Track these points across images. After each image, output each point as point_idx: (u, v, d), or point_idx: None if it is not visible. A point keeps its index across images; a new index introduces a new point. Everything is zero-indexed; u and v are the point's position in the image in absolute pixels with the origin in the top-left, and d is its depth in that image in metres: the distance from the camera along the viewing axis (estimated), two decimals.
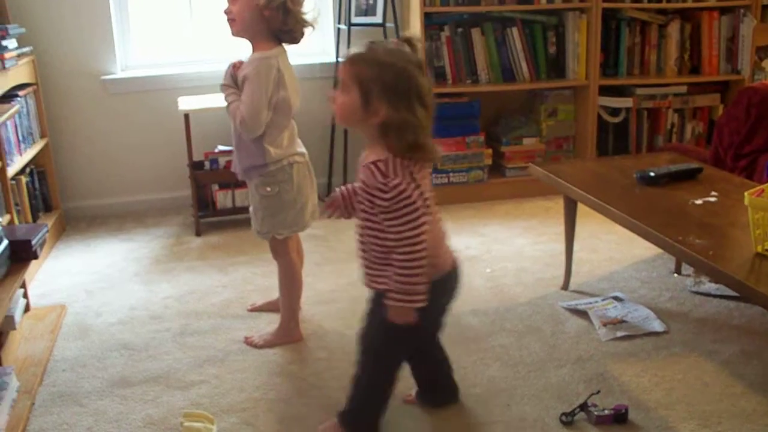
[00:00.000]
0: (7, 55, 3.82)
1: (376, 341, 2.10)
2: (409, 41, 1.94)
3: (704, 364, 2.79)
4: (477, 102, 4.69)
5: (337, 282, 3.63)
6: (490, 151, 4.78)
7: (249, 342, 3.01)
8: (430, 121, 1.92)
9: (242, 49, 2.80)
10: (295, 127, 2.83)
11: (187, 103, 4.32)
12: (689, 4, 4.73)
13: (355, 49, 1.94)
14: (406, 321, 1.95)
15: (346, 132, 4.61)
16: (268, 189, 2.76)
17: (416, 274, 1.91)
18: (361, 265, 2.10)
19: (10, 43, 3.91)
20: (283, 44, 2.73)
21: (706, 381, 2.70)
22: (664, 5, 4.73)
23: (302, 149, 2.85)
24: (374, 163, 1.89)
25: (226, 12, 2.72)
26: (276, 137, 2.71)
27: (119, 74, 4.55)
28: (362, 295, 2.28)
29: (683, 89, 4.85)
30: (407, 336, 2.05)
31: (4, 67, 3.77)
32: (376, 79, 1.87)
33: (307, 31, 2.70)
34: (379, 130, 1.91)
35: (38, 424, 2.63)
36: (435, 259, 2.00)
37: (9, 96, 3.90)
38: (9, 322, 3.01)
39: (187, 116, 4.18)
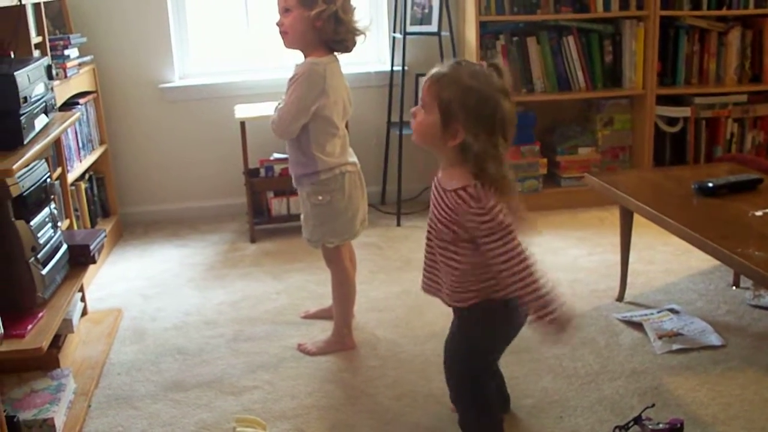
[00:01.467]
0: (69, 64, 3.88)
1: (463, 361, 2.10)
2: (496, 67, 1.90)
3: (763, 380, 2.76)
4: (532, 111, 4.65)
5: (390, 290, 3.61)
6: (545, 160, 4.75)
7: (302, 349, 3.02)
8: (507, 152, 1.89)
9: (297, 58, 2.83)
10: (347, 135, 2.84)
11: (243, 110, 4.36)
12: (751, 11, 4.63)
13: (439, 68, 1.90)
14: (568, 329, 1.91)
15: (400, 140, 4.53)
16: (320, 198, 2.77)
17: (539, 287, 1.88)
18: (441, 289, 2.08)
19: (73, 52, 3.96)
20: (336, 53, 2.74)
21: (766, 397, 2.66)
22: (724, 12, 4.64)
23: (354, 158, 2.85)
24: (464, 189, 1.87)
25: (278, 24, 2.75)
26: (325, 145, 2.72)
27: (177, 82, 4.59)
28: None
29: (743, 98, 4.75)
30: (489, 351, 2.07)
31: (66, 76, 3.83)
32: (459, 101, 1.84)
33: (359, 39, 2.70)
34: (457, 154, 1.88)
35: (94, 426, 2.65)
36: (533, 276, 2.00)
37: (70, 104, 3.94)
38: (67, 325, 3.03)
39: (243, 124, 4.22)
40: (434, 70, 1.88)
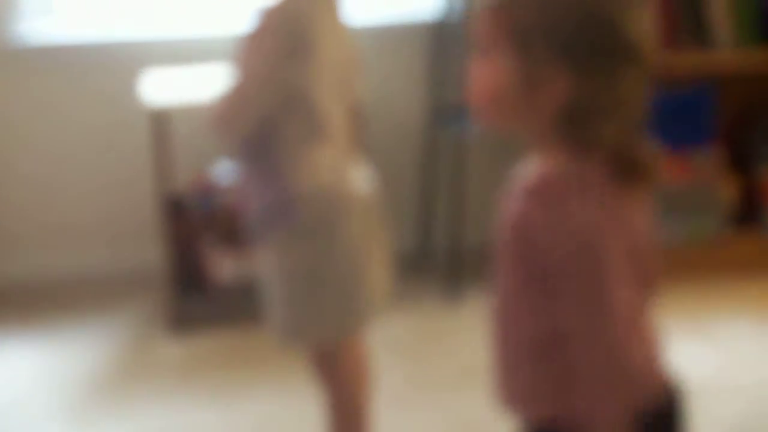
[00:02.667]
0: None
1: None
2: None
3: None
4: (710, 86, 3.64)
5: (434, 421, 2.96)
6: (735, 178, 3.77)
7: None
8: (646, 99, 1.34)
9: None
10: (349, 134, 2.16)
11: (158, 89, 3.32)
12: None
13: None
14: None
15: (459, 144, 3.51)
16: (297, 251, 2.15)
17: (614, 387, 1.37)
18: (497, 373, 1.61)
19: None
20: None
21: None
22: None
23: (360, 182, 2.19)
24: (539, 183, 1.32)
25: None
26: (304, 151, 2.08)
27: (32, 37, 3.67)
28: None
29: None
30: None
31: None
32: (547, 25, 1.26)
33: None
34: (556, 120, 1.30)
35: None
36: (636, 373, 1.42)
37: None
38: None
39: (160, 116, 3.28)
40: None
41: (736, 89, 3.73)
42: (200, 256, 3.38)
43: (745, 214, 3.74)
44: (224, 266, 3.35)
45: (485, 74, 1.34)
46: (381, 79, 3.28)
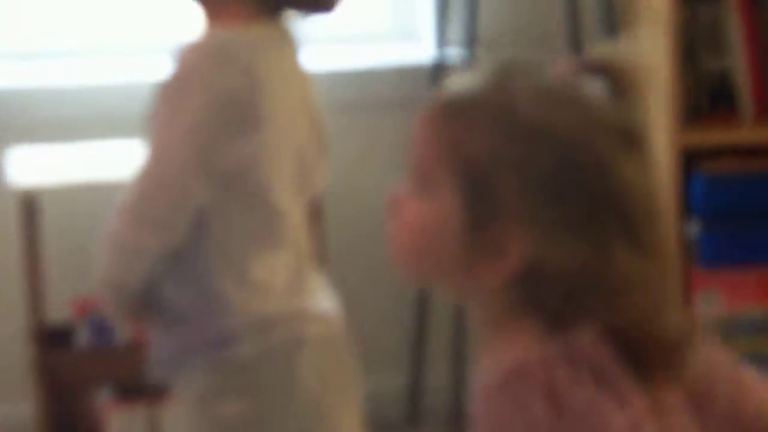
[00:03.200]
0: None
1: None
2: (607, 68, 1.02)
3: None
4: None
5: None
6: None
7: None
8: (663, 272, 1.02)
9: (184, 32, 1.81)
10: (307, 239, 1.83)
11: (27, 168, 2.76)
12: None
13: (458, 82, 1.05)
14: None
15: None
16: (228, 406, 1.79)
17: None
18: None
19: None
20: (286, 14, 1.73)
21: None
22: None
23: (325, 305, 1.84)
24: (508, 376, 1.02)
25: None
26: (247, 262, 1.73)
27: None
28: None
29: None
30: None
31: None
32: (513, 160, 0.97)
33: None
34: (512, 289, 0.99)
35: None
36: None
37: None
38: None
39: (30, 203, 2.70)
40: (447, 89, 1.06)
41: None
42: (87, 409, 2.75)
43: None
44: (119, 424, 2.70)
45: (414, 212, 1.06)
46: (356, 162, 2.75)
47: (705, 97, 2.74)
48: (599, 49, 1.24)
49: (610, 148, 0.97)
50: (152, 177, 1.62)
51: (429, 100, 1.06)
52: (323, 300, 1.80)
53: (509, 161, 0.95)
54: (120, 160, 2.20)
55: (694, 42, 2.73)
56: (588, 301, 0.99)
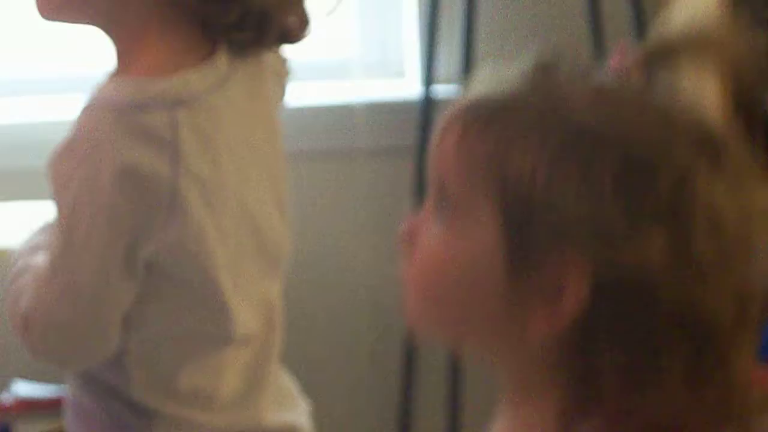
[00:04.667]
0: None
1: None
2: (666, 57, 0.83)
3: None
4: None
5: None
6: None
7: None
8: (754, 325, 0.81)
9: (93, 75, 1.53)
10: (274, 336, 1.58)
11: None
12: None
13: (484, 79, 0.85)
14: None
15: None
16: None
17: None
18: None
19: None
20: (233, 52, 1.45)
21: None
22: None
23: (289, 416, 1.57)
24: None
25: None
26: (175, 372, 1.51)
27: None
28: None
29: None
30: None
31: None
32: (568, 178, 0.78)
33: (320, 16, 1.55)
34: (560, 348, 0.79)
35: None
36: None
37: None
38: None
39: None
40: (473, 89, 0.86)
41: None
42: None
43: None
44: None
45: (440, 246, 0.87)
46: (328, 228, 2.36)
47: None
48: (661, 32, 0.96)
49: (692, 161, 0.80)
50: (65, 285, 1.36)
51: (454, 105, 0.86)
52: (286, 410, 1.52)
53: (563, 177, 0.79)
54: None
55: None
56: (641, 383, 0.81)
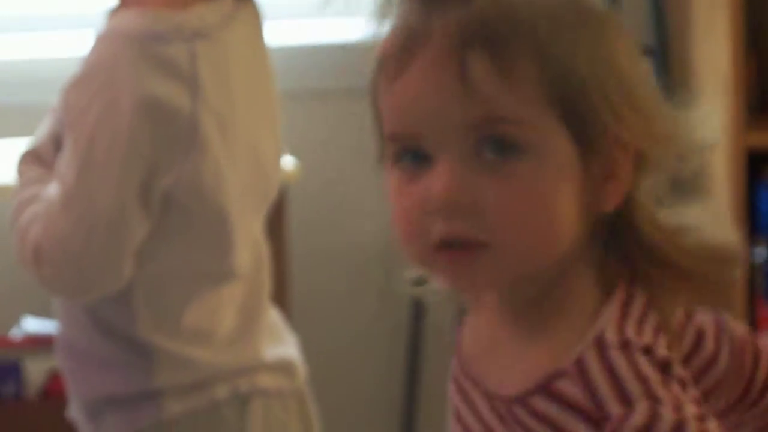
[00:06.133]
0: None
1: None
2: None
3: None
4: None
5: None
6: None
7: None
8: None
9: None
10: (264, 274, 1.59)
11: None
12: None
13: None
14: None
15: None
16: None
17: None
18: None
19: None
20: None
21: None
22: None
23: (281, 351, 1.61)
24: (612, 349, 0.76)
25: None
26: (178, 311, 1.52)
27: None
28: None
29: None
30: None
31: None
32: (596, 57, 0.78)
33: None
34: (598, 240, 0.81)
35: None
36: None
37: None
38: None
39: None
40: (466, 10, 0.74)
41: None
42: None
43: None
44: None
45: (527, 182, 0.81)
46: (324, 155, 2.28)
47: None
48: None
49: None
50: (80, 217, 1.36)
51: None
52: (279, 345, 1.55)
53: (594, 58, 0.79)
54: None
55: (761, 26, 2.36)
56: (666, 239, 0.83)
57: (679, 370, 0.73)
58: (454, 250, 0.71)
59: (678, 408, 0.70)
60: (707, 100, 1.99)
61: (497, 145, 0.71)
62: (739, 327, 0.88)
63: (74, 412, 1.52)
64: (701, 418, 0.71)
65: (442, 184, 0.70)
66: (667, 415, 0.71)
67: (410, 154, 0.72)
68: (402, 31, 0.71)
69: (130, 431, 1.49)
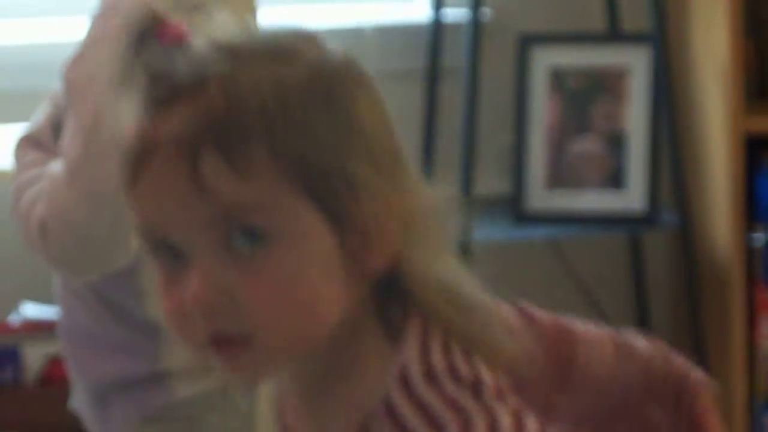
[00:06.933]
0: None
1: None
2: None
3: None
4: None
5: None
6: None
7: None
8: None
9: None
10: None
11: None
12: None
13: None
14: None
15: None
16: None
17: None
18: None
19: None
20: None
21: None
22: None
23: None
24: (415, 375, 0.75)
25: None
26: None
27: None
28: None
29: None
30: None
31: None
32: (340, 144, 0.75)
33: None
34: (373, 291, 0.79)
35: None
36: None
37: None
38: None
39: None
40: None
41: None
42: None
43: None
44: None
45: (282, 267, 0.78)
46: None
47: None
48: None
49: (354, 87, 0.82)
50: (85, 190, 1.35)
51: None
52: None
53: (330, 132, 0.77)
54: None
55: (759, 12, 2.32)
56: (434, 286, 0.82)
57: (492, 381, 0.72)
58: (223, 345, 0.70)
59: (492, 425, 0.70)
60: (706, 87, 2.04)
61: (246, 236, 0.70)
62: (545, 317, 0.87)
63: (78, 401, 1.52)
64: (519, 428, 0.71)
65: (195, 287, 0.68)
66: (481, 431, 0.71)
67: (168, 251, 0.70)
68: (134, 139, 0.70)
69: (140, 415, 1.49)
